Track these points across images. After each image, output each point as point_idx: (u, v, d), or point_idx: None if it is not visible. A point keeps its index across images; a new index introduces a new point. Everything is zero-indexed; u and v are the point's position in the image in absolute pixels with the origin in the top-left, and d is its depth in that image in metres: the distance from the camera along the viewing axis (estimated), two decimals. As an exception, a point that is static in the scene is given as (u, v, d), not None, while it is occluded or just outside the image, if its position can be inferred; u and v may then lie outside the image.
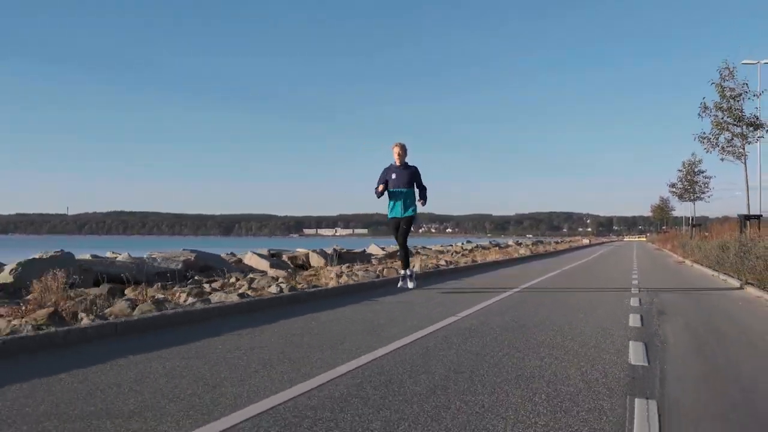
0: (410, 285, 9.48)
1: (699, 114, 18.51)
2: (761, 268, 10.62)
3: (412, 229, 9.59)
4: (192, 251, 13.67)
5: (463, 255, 21.34)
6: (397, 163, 9.51)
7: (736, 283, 11.37)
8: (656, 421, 2.96)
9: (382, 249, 22.87)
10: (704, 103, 18.28)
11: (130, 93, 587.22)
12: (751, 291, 9.81)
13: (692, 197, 34.21)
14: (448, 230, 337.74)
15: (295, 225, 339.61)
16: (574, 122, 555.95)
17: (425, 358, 4.38)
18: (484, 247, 29.33)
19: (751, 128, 17.27)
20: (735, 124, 17.30)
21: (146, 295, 7.28)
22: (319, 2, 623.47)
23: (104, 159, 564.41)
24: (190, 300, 7.00)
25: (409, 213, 9.43)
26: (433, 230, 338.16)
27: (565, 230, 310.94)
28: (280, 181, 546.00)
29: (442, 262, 15.51)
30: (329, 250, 18.04)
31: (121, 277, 8.96)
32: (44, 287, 6.68)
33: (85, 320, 5.10)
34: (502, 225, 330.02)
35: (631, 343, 5.07)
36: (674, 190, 37.00)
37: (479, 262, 17.49)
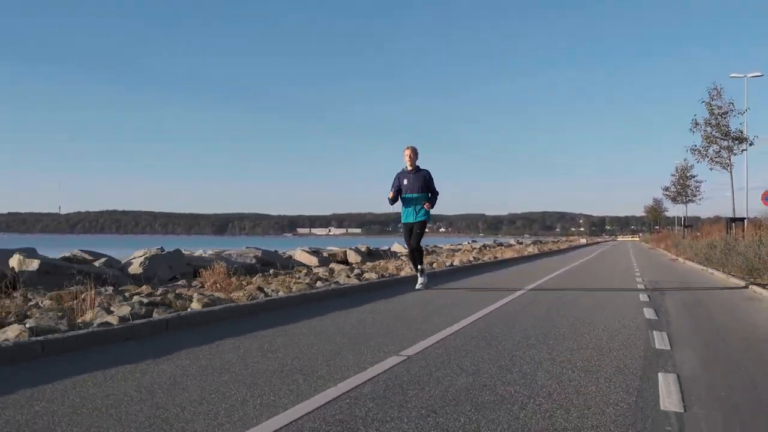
0: (420, 281, 9.78)
1: (691, 129, 21.25)
2: (741, 263, 13.17)
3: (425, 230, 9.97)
4: (257, 249, 16.13)
5: (480, 252, 23.84)
6: (409, 167, 9.67)
7: (722, 275, 13.88)
8: (667, 339, 5.44)
9: (405, 247, 25.37)
10: (695, 120, 21.13)
11: (124, 92, 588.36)
12: (734, 281, 12.33)
13: (684, 200, 37.11)
14: (441, 230, 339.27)
15: (289, 224, 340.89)
16: (567, 122, 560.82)
17: (515, 313, 6.88)
18: (491, 246, 31.84)
19: (736, 142, 20.01)
20: (722, 138, 20.07)
21: (276, 279, 9.74)
22: (313, 1, 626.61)
23: (97, 158, 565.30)
24: (307, 282, 9.42)
25: (421, 217, 9.63)
26: (426, 230, 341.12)
27: (558, 230, 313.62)
28: (274, 180, 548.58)
29: (471, 258, 18.01)
30: (363, 248, 20.56)
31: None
32: (211, 274, 9.13)
33: (281, 292, 7.56)
34: (495, 225, 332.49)
35: (644, 308, 7.58)
36: (668, 193, 40.20)
37: (499, 258, 20.00)
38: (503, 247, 29.45)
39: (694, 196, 35.43)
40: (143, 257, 11.65)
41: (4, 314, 5.31)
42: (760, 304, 8.50)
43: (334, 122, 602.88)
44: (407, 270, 12.60)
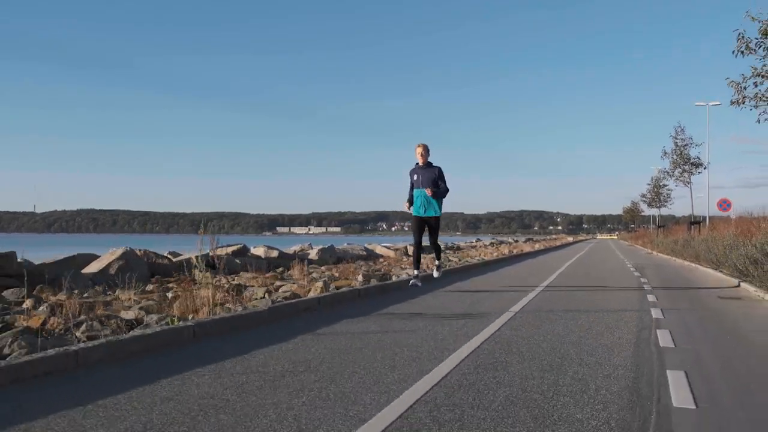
0: (437, 273, 11.06)
1: (661, 156, 28.97)
2: (692, 252, 20.58)
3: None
4: (357, 245, 23.16)
5: (497, 249, 31.02)
6: (421, 163, 9.86)
7: (680, 259, 21.30)
8: (653, 293, 12.63)
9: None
10: (664, 150, 28.96)
11: (102, 90, 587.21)
12: (686, 262, 19.70)
13: (657, 204, 45.04)
14: None
15: (268, 223, 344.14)
16: (545, 122, 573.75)
17: (552, 296, 14.07)
18: (492, 244, 39.03)
19: (693, 166, 27.86)
20: (684, 164, 27.83)
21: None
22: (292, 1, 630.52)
23: (73, 157, 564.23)
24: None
25: (432, 213, 9.78)
26: (406, 228, 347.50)
27: (536, 228, 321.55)
28: (252, 179, 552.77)
29: (497, 254, 25.22)
30: (400, 246, 27.73)
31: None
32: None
33: (373, 281, 14.66)
34: (474, 223, 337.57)
35: (634, 272, 14.83)
36: (644, 198, 48.35)
37: (515, 253, 27.25)
38: (499, 246, 36.62)
39: (666, 201, 43.41)
40: (318, 249, 18.83)
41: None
42: (696, 270, 15.88)
43: (314, 121, 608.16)
44: (461, 263, 19.73)
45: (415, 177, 9.83)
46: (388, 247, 26.01)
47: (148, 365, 4.35)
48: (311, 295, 7.77)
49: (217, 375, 4.08)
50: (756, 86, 12.10)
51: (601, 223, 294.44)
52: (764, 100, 12.02)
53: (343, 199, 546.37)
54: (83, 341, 4.75)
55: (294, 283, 9.10)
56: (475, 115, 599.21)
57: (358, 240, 34.85)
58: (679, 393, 3.67)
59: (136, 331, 5.00)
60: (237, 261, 14.64)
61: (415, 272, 10.13)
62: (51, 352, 4.19)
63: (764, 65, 11.95)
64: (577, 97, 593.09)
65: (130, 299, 6.73)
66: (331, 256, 18.99)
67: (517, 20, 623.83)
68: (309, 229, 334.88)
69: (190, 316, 5.66)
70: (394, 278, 10.91)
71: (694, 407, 3.40)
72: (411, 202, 9.86)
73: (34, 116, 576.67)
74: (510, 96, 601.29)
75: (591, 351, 4.95)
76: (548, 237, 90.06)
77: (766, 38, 11.81)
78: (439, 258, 10.90)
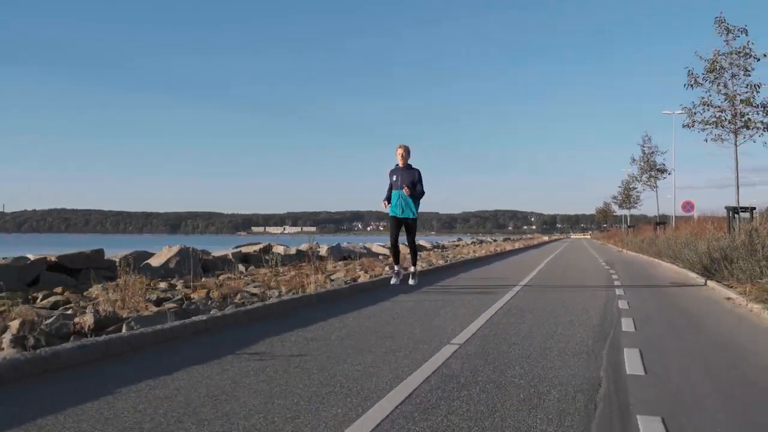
0: (412, 278, 10.44)
1: (630, 163, 32.00)
2: (655, 249, 23.51)
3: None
4: (346, 243, 25.75)
5: (474, 250, 33.76)
6: (401, 165, 10.09)
7: (646, 256, 24.22)
8: (615, 273, 15.37)
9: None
10: (633, 157, 31.97)
11: (73, 88, 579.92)
12: (648, 257, 22.59)
13: (628, 206, 48.39)
14: None
15: (243, 223, 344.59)
16: (520, 122, 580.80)
17: (540, 287, 16.81)
18: (474, 243, 41.83)
19: (659, 172, 30.94)
20: (650, 170, 30.90)
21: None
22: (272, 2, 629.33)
23: (43, 156, 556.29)
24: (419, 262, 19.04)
25: (410, 214, 10.01)
26: (381, 228, 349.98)
27: (510, 228, 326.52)
28: (226, 178, 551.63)
29: (485, 252, 27.95)
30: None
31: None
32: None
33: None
34: (449, 223, 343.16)
35: (605, 266, 17.61)
36: (615, 200, 51.83)
37: (500, 251, 30.01)
38: (482, 245, 39.45)
39: (635, 203, 46.72)
40: (327, 247, 21.30)
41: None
42: (658, 265, 18.74)
43: (289, 120, 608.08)
44: (460, 257, 22.40)
45: (395, 178, 10.08)
46: (382, 246, 28.55)
47: (302, 316, 6.85)
48: (362, 279, 10.35)
49: (355, 318, 6.69)
50: (702, 113, 14.95)
51: (574, 222, 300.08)
52: (709, 124, 14.86)
53: (318, 198, 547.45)
54: (240, 305, 7.24)
55: (340, 272, 11.64)
56: (451, 116, 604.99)
57: (335, 239, 37.17)
58: (627, 325, 6.35)
59: (274, 299, 7.52)
60: (266, 257, 17.08)
61: (396, 268, 10.39)
62: (231, 310, 6.67)
63: (709, 96, 14.80)
64: (551, 97, 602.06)
65: (238, 281, 9.23)
66: (339, 253, 21.54)
67: (490, 20, 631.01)
68: (284, 229, 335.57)
69: (300, 291, 8.20)
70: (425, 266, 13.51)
71: (634, 330, 6.07)
72: (389, 200, 10.09)
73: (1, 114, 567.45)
74: (485, 96, 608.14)
75: (576, 308, 7.62)
76: (525, 236, 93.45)
77: (710, 74, 14.65)
78: (414, 264, 10.64)
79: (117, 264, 11.45)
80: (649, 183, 31.68)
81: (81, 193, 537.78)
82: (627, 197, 46.39)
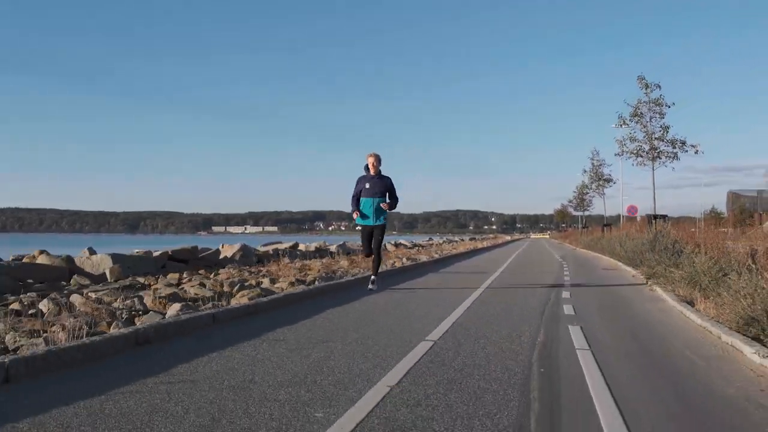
0: (373, 287, 10.37)
1: (582, 173, 38.07)
2: (600, 247, 29.39)
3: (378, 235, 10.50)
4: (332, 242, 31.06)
5: (453, 248, 39.31)
6: (372, 173, 10.18)
7: (593, 252, 30.05)
8: (566, 264, 20.96)
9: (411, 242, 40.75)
10: (584, 168, 38.06)
11: (24, 87, 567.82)
12: (595, 253, 28.40)
13: (582, 209, 54.92)
14: (358, 228, 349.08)
15: (203, 223, 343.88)
16: (480, 122, 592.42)
17: (518, 267, 22.41)
18: (445, 242, 47.47)
19: (605, 182, 37.08)
20: (598, 180, 37.01)
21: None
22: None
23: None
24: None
25: (381, 221, 10.23)
26: (343, 228, 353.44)
27: (471, 228, 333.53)
28: (186, 177, 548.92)
29: (463, 249, 33.45)
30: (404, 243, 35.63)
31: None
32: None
33: (410, 262, 22.67)
34: (410, 223, 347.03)
35: (559, 260, 23.28)
36: (570, 203, 58.57)
37: (479, 248, 35.55)
38: (452, 243, 45.14)
39: (588, 206, 53.27)
40: (336, 245, 26.49)
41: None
42: (599, 258, 24.50)
43: (250, 120, 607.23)
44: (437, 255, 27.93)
45: (367, 185, 10.11)
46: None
47: (356, 292, 12.11)
48: (398, 265, 15.66)
49: (404, 291, 12.02)
50: (629, 145, 20.71)
51: (534, 222, 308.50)
52: (634, 154, 20.60)
53: (280, 198, 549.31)
54: (314, 284, 12.41)
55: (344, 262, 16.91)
56: (412, 116, 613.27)
57: (296, 238, 41.65)
58: (567, 278, 11.89)
59: (350, 277, 12.77)
60: (297, 252, 22.26)
61: (373, 278, 10.55)
62: (348, 278, 11.87)
63: (633, 133, 20.55)
64: (510, 97, 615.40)
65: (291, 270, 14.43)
66: (344, 251, 26.77)
67: (457, 23, 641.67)
68: (245, 229, 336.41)
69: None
70: (423, 259, 18.86)
71: (569, 293, 11.58)
72: (358, 208, 10.14)
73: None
74: (447, 97, 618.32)
75: (543, 274, 13.13)
76: (488, 236, 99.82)
77: (633, 117, 20.38)
78: (376, 273, 10.66)
79: (226, 257, 16.60)
80: (597, 191, 37.95)
81: (34, 191, 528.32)
82: (581, 201, 52.80)
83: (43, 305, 7.72)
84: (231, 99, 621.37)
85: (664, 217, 20.60)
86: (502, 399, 3.86)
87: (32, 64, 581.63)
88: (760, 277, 6.58)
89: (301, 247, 24.78)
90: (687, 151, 19.80)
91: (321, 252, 23.85)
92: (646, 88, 20.32)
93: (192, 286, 10.05)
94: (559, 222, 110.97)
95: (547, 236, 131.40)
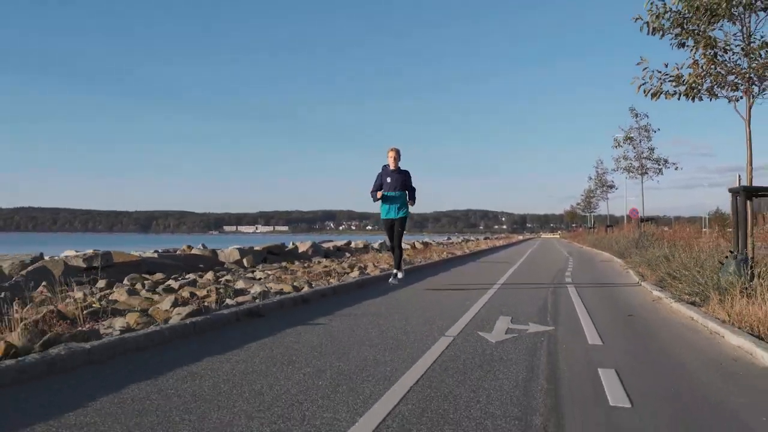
0: (398, 278, 11.55)
1: (587, 180, 43.74)
2: (602, 245, 35.03)
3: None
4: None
5: (476, 245, 44.94)
6: (392, 167, 10.71)
7: (596, 249, 35.68)
8: (571, 259, 26.59)
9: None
10: (590, 176, 43.78)
11: (41, 89, 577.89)
12: (598, 250, 34.01)
13: (589, 211, 60.71)
14: (368, 227, 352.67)
15: (215, 222, 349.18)
16: (491, 123, 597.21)
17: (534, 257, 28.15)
18: (465, 241, 53.14)
19: (608, 188, 42.82)
20: (602, 186, 42.74)
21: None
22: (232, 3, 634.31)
23: (10, 154, 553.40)
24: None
25: (402, 214, 10.76)
26: (353, 227, 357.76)
27: (481, 227, 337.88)
28: (198, 177, 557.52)
29: (485, 246, 39.16)
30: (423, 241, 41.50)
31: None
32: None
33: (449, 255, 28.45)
34: (421, 222, 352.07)
35: (566, 254, 28.94)
36: (578, 206, 64.43)
37: (497, 245, 41.20)
38: (480, 240, 50.72)
39: (595, 209, 58.98)
40: (371, 244, 32.31)
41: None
42: (600, 254, 30.13)
43: (263, 121, 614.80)
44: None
45: (388, 180, 10.64)
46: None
47: (441, 267, 17.81)
48: (444, 257, 21.37)
49: (470, 266, 17.78)
50: (623, 162, 26.33)
51: (544, 222, 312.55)
52: (626, 170, 26.22)
53: (291, 198, 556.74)
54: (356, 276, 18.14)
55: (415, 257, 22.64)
56: (423, 118, 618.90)
57: (309, 238, 46.34)
58: (570, 266, 17.66)
59: (423, 261, 18.51)
60: (352, 248, 27.94)
61: (395, 271, 11.40)
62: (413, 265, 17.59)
63: (626, 152, 26.17)
64: (522, 100, 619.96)
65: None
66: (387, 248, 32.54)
67: (466, 26, 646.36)
68: (257, 228, 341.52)
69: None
70: (458, 253, 24.56)
71: (572, 271, 17.31)
72: (379, 197, 10.70)
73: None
74: (459, 99, 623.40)
75: (555, 260, 18.83)
76: (502, 236, 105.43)
77: (626, 140, 25.99)
78: (398, 266, 11.37)
79: (304, 252, 22.42)
80: (602, 196, 43.59)
81: (48, 191, 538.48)
82: (588, 203, 58.52)
83: (261, 273, 13.42)
84: (242, 100, 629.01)
85: (651, 219, 26.20)
86: (538, 294, 9.64)
87: (48, 66, 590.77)
88: (673, 258, 12.24)
89: (352, 245, 30.43)
90: (669, 167, 25.34)
91: (367, 248, 29.55)
92: (636, 117, 25.87)
93: (316, 268, 15.71)
94: (569, 222, 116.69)
95: (558, 236, 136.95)
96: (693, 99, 9.12)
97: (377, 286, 11.68)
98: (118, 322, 6.23)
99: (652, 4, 9.13)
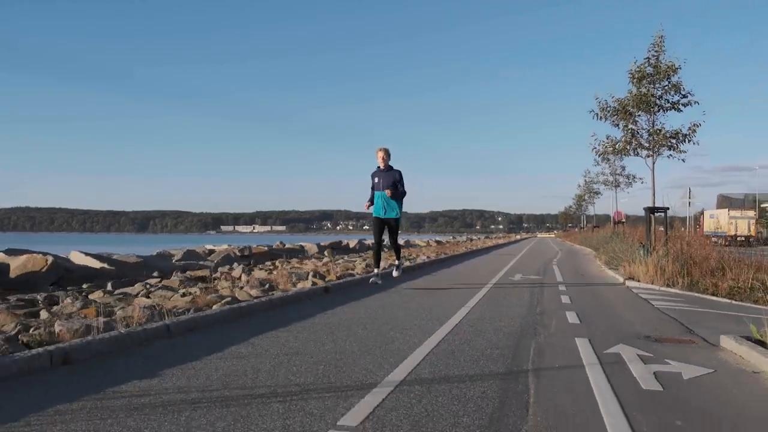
0: (395, 274, 12.40)
1: (576, 187, 51.27)
2: (589, 243, 42.48)
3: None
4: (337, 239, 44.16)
5: (483, 243, 52.18)
6: (382, 167, 10.92)
7: (582, 246, 43.10)
8: (559, 252, 33.97)
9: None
10: (578, 183, 51.18)
11: (38, 87, 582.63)
12: (582, 246, 41.41)
13: (580, 213, 68.29)
14: (366, 227, 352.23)
15: (212, 222, 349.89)
16: (488, 123, 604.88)
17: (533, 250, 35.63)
18: (466, 240, 60.31)
19: (595, 194, 50.26)
20: (589, 192, 50.26)
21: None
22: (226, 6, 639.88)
23: (7, 154, 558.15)
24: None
25: (393, 215, 11.01)
26: (350, 227, 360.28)
27: (478, 227, 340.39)
28: (195, 177, 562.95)
29: (489, 244, 46.50)
30: (427, 241, 48.89)
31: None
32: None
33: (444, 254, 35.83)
34: (417, 222, 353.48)
35: (557, 249, 36.36)
36: (571, 209, 72.14)
37: (499, 243, 48.49)
38: (472, 241, 58.01)
39: (585, 211, 66.52)
40: (329, 244, 39.76)
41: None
42: (584, 249, 37.55)
43: (260, 121, 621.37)
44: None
45: (376, 180, 10.92)
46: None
47: (461, 258, 25.17)
48: (464, 250, 28.76)
49: (481, 258, 25.25)
50: (602, 176, 33.76)
51: (540, 222, 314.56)
52: (603, 183, 33.68)
53: (287, 198, 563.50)
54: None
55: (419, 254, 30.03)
56: (420, 118, 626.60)
57: (307, 238, 52.01)
58: (558, 256, 25.19)
59: (444, 255, 25.95)
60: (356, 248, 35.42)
61: (375, 270, 11.72)
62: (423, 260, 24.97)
63: (603, 169, 33.62)
64: (516, 100, 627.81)
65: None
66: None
67: (466, 26, 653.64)
68: (254, 228, 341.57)
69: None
70: (462, 251, 31.96)
71: (557, 260, 24.76)
72: (371, 202, 10.94)
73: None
74: (455, 99, 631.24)
75: (547, 252, 26.28)
76: (500, 235, 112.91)
77: (603, 160, 33.41)
78: (398, 258, 12.26)
79: (354, 247, 29.76)
80: (590, 201, 51.05)
81: (46, 191, 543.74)
82: (579, 207, 66.03)
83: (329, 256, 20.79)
84: (240, 100, 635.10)
85: (622, 222, 33.71)
86: (536, 266, 17.15)
87: (45, 65, 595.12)
88: (617, 247, 19.63)
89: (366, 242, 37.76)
90: (638, 181, 32.73)
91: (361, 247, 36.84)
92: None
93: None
94: (565, 222, 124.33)
95: (553, 235, 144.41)
96: (622, 157, 16.55)
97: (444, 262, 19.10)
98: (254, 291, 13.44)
99: (599, 101, 16.41)
